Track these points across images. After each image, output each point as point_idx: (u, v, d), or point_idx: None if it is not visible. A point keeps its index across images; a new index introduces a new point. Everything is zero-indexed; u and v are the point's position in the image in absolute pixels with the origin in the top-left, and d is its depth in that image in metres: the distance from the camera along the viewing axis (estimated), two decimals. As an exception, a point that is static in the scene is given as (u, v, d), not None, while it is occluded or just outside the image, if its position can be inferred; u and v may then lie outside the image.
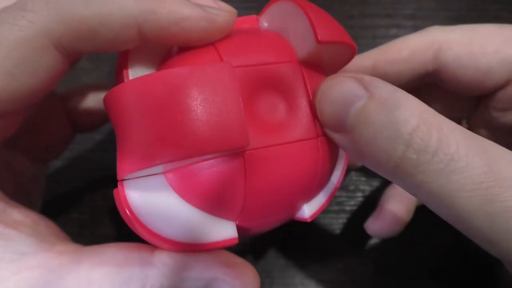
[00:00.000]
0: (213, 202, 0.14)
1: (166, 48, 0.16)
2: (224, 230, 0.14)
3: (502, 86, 0.18)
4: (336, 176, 0.18)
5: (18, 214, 0.14)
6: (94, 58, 0.29)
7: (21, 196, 0.18)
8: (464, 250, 0.23)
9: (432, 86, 0.21)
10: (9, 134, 0.16)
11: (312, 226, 0.24)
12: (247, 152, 0.13)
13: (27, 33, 0.13)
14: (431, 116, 0.12)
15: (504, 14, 0.30)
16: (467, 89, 0.19)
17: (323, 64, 0.16)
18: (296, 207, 0.16)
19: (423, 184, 0.12)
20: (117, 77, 0.16)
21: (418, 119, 0.12)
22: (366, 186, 0.25)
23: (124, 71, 0.15)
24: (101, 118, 0.22)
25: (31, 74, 0.13)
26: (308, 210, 0.16)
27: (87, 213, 0.24)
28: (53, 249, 0.14)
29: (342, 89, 0.13)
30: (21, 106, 0.14)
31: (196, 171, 0.13)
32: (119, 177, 0.14)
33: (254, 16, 0.17)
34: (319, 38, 0.14)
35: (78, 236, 0.14)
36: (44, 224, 0.15)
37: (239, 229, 0.15)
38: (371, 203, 0.24)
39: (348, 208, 0.24)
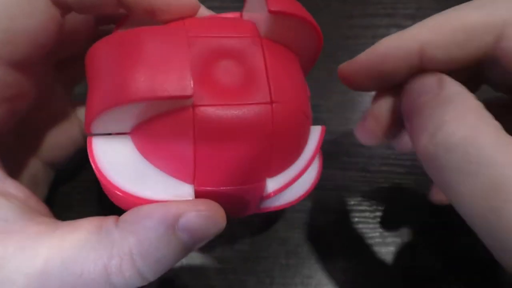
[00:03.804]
0: (166, 159, 0.15)
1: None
2: (181, 190, 0.15)
3: None
4: (308, 153, 0.18)
5: (13, 187, 0.15)
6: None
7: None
8: (466, 251, 0.23)
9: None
10: (25, 99, 0.17)
11: (312, 226, 0.24)
12: (196, 107, 0.14)
13: None
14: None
15: (504, 13, 0.30)
16: None
17: (288, 42, 0.17)
18: (255, 178, 0.16)
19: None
20: None
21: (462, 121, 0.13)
22: (366, 187, 0.25)
23: (115, 31, 0.17)
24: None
25: (28, 14, 0.15)
26: (271, 185, 0.16)
27: (87, 213, 0.24)
28: (34, 220, 0.14)
29: (421, 80, 0.15)
30: (27, 53, 0.15)
31: (151, 127, 0.14)
32: (86, 130, 0.15)
33: (237, 13, 0.18)
34: (270, 7, 0.15)
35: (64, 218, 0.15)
36: (35, 202, 0.16)
37: (198, 195, 0.15)
38: (371, 204, 0.24)
39: (348, 208, 0.24)
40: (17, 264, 0.13)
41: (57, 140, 0.21)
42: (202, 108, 0.14)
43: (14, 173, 0.18)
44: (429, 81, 0.15)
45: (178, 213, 0.13)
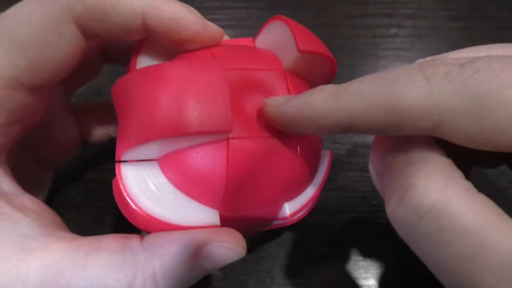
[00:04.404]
0: (197, 187, 0.15)
1: (174, 51, 0.17)
2: (207, 216, 0.15)
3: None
4: (320, 177, 0.19)
5: (28, 200, 0.15)
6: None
7: None
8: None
9: None
10: (36, 117, 0.17)
11: (312, 226, 0.24)
12: (231, 140, 0.15)
13: (52, 8, 0.15)
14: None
15: (504, 14, 0.30)
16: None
17: (306, 75, 0.18)
18: (276, 203, 0.17)
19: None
20: (127, 69, 0.18)
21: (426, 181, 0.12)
22: (366, 187, 0.25)
23: (133, 59, 0.17)
24: (107, 135, 0.23)
25: (56, 45, 0.15)
26: (289, 209, 0.17)
27: (87, 213, 0.24)
28: (54, 235, 0.14)
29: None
30: (48, 79, 0.16)
31: (184, 156, 0.15)
32: (117, 158, 0.15)
33: (250, 38, 0.19)
34: (300, 47, 0.16)
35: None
36: (51, 215, 0.16)
37: (223, 219, 0.16)
38: (371, 203, 0.24)
39: (348, 208, 0.24)
40: (41, 283, 0.13)
41: (57, 144, 0.21)
42: (236, 141, 0.15)
43: (19, 179, 0.18)
44: (395, 139, 0.14)
45: (203, 242, 0.14)
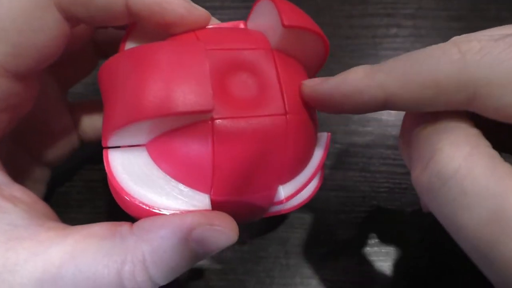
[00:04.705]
0: (184, 170, 0.15)
1: (162, 36, 0.17)
2: (197, 200, 0.15)
3: None
4: (316, 159, 0.18)
5: (18, 191, 0.15)
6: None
7: None
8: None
9: None
10: (26, 107, 0.17)
11: (312, 226, 0.24)
12: (215, 120, 0.14)
13: None
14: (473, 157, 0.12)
15: (504, 14, 0.30)
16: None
17: (297, 53, 0.17)
18: (270, 186, 0.16)
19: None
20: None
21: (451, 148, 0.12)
22: (366, 187, 0.25)
23: (121, 45, 0.17)
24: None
25: (38, 30, 0.15)
26: (283, 192, 0.17)
27: (87, 213, 0.24)
28: (45, 225, 0.14)
29: None
30: (32, 65, 0.15)
31: (168, 139, 0.15)
32: (103, 143, 0.15)
33: (242, 21, 0.19)
34: (285, 22, 0.15)
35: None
36: (42, 206, 0.16)
37: (214, 204, 0.15)
38: (371, 203, 0.24)
39: (348, 208, 0.24)
40: (30, 270, 0.13)
41: (54, 141, 0.21)
42: (220, 121, 0.14)
43: (13, 173, 0.18)
44: (425, 113, 0.14)
45: (193, 225, 0.14)
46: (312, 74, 0.19)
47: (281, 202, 0.17)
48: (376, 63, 0.14)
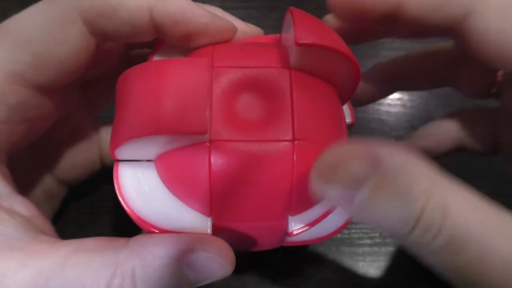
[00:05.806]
0: (183, 189, 0.15)
1: (187, 52, 0.17)
2: (197, 222, 0.15)
3: None
4: None
5: (20, 204, 0.15)
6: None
7: None
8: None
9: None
10: (45, 122, 0.17)
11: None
12: (213, 142, 0.14)
13: (58, 5, 0.15)
14: (441, 190, 0.12)
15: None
16: (493, 64, 0.16)
17: (324, 74, 0.16)
18: (276, 216, 0.15)
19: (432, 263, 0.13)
20: None
21: (426, 197, 0.12)
22: (366, 186, 0.25)
23: (149, 57, 0.17)
24: None
25: (61, 42, 0.15)
26: (294, 224, 0.15)
27: (87, 213, 0.24)
28: (38, 238, 0.14)
29: (348, 171, 0.12)
30: (53, 78, 0.15)
31: (171, 157, 0.15)
32: (111, 154, 0.15)
33: (276, 35, 0.18)
34: (298, 40, 0.14)
35: (78, 236, 0.14)
36: (41, 221, 0.15)
37: (217, 228, 0.15)
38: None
39: (348, 208, 0.24)
40: (18, 281, 0.13)
41: (74, 160, 0.21)
42: (218, 143, 0.14)
43: (27, 186, 0.18)
44: (356, 168, 0.12)
45: (188, 248, 0.13)
46: (347, 97, 0.17)
47: (290, 235, 0.16)
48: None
